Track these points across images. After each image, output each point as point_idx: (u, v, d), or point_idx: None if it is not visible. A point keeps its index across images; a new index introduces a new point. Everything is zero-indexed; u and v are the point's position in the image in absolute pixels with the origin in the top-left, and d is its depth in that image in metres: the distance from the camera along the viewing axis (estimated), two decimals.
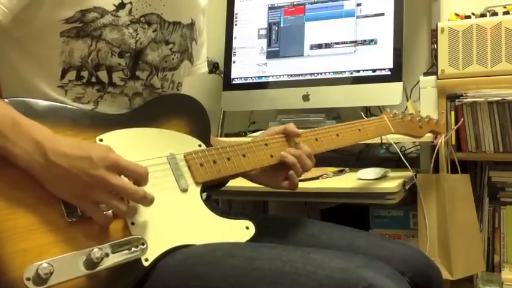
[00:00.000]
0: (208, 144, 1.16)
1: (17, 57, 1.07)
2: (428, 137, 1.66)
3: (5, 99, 0.97)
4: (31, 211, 0.89)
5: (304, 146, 1.20)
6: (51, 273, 0.84)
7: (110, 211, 0.93)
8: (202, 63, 1.42)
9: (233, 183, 1.22)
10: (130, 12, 1.10)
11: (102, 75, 1.09)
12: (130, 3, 1.10)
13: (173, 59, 1.21)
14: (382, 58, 1.91)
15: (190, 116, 1.18)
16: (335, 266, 0.88)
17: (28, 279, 0.83)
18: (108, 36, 1.07)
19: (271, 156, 1.17)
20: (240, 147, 1.14)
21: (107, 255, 0.90)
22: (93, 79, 1.08)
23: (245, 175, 1.22)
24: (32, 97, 1.01)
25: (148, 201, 0.94)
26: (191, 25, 1.26)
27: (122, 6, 1.09)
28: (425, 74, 1.89)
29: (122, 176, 0.93)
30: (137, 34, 1.11)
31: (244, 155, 1.14)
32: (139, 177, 0.94)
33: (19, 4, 1.00)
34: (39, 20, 1.03)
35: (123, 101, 1.13)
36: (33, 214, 0.89)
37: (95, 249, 0.88)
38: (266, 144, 1.17)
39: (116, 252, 0.92)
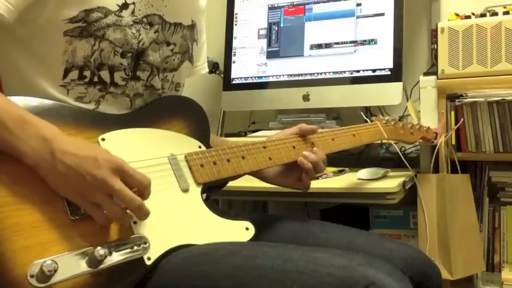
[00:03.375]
0: (207, 145, 1.17)
1: (19, 56, 1.08)
2: None
3: (11, 97, 0.97)
4: (34, 208, 0.89)
5: (319, 150, 1.22)
6: (55, 271, 0.84)
7: None
8: (202, 65, 1.42)
9: (233, 183, 1.23)
10: (133, 12, 1.11)
11: (104, 75, 1.09)
12: (134, 3, 1.11)
13: (174, 59, 1.22)
14: (382, 58, 1.91)
15: (190, 117, 1.18)
16: (337, 264, 0.89)
17: (32, 276, 0.84)
18: (111, 36, 1.08)
19: (270, 159, 1.18)
20: (239, 149, 1.15)
21: (110, 253, 0.90)
22: (96, 79, 1.09)
23: (259, 176, 1.25)
24: (34, 96, 1.02)
25: (143, 212, 0.94)
26: (192, 26, 1.27)
27: (125, 6, 1.10)
28: (425, 74, 1.89)
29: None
30: (140, 34, 1.12)
31: (243, 157, 1.14)
32: (142, 187, 0.94)
33: (24, 2, 1.01)
34: (43, 19, 1.04)
35: (124, 102, 1.13)
36: (37, 211, 0.89)
37: (98, 248, 0.89)
38: (264, 147, 1.18)
39: (119, 250, 0.92)
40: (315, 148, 1.22)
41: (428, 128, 1.63)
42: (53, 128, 0.93)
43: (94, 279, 0.89)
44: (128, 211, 0.93)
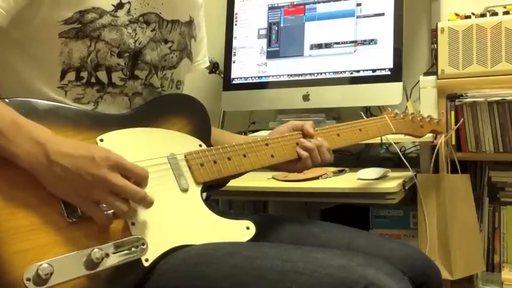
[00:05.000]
0: (208, 144, 1.16)
1: (16, 58, 1.07)
2: (428, 137, 1.66)
3: (6, 99, 0.97)
4: (31, 211, 0.89)
5: (319, 140, 1.21)
6: (51, 274, 0.84)
7: (110, 211, 0.93)
8: (202, 59, 1.41)
9: (233, 183, 1.22)
10: (129, 11, 1.10)
11: (102, 75, 1.09)
12: (129, 2, 1.10)
13: (172, 57, 1.21)
14: (382, 58, 1.91)
15: (191, 115, 1.18)
16: (336, 265, 0.88)
17: (28, 279, 0.84)
18: (107, 37, 1.07)
19: (272, 156, 1.17)
20: (240, 147, 1.14)
21: (107, 255, 0.90)
22: (93, 79, 1.08)
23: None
24: (32, 98, 1.01)
25: (148, 202, 0.95)
26: (190, 22, 1.26)
27: (120, 6, 1.09)
28: (425, 74, 1.89)
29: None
30: (136, 34, 1.11)
31: (244, 155, 1.14)
32: (140, 179, 0.95)
33: (16, 6, 1.00)
34: (37, 21, 1.03)
35: (123, 101, 1.13)
36: (34, 214, 0.89)
37: (95, 250, 0.89)
38: (267, 144, 1.18)
39: (116, 252, 0.92)
40: (318, 138, 1.22)
41: (439, 120, 1.62)
42: (45, 131, 0.93)
43: (91, 281, 0.89)
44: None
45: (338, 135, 1.28)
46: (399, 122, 1.45)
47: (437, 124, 1.60)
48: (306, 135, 1.22)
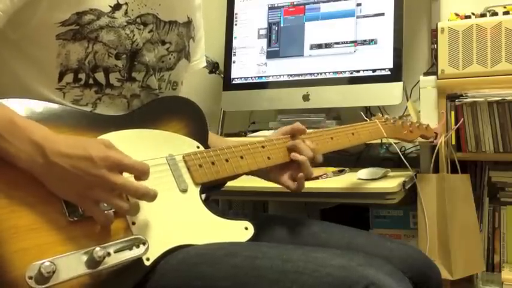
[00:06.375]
0: (206, 145, 1.16)
1: (14, 60, 1.07)
2: None
3: (5, 99, 0.96)
4: (32, 210, 0.89)
5: (310, 143, 1.20)
6: (53, 272, 0.84)
7: (111, 211, 0.93)
8: (199, 59, 1.41)
9: (233, 183, 1.22)
10: (126, 13, 1.10)
11: (99, 76, 1.09)
12: (126, 3, 1.10)
13: (170, 58, 1.21)
14: (382, 58, 1.91)
15: (188, 117, 1.18)
16: (336, 265, 0.89)
17: (30, 277, 0.83)
18: (104, 38, 1.07)
19: (268, 158, 1.18)
20: (237, 149, 1.15)
21: (109, 254, 0.90)
22: (91, 81, 1.08)
23: (254, 173, 1.23)
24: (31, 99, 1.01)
25: (151, 196, 0.94)
26: (188, 23, 1.26)
27: (117, 7, 1.09)
28: (425, 74, 1.89)
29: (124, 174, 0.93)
30: (134, 35, 1.11)
31: (242, 157, 1.14)
32: (140, 174, 0.94)
33: (13, 6, 1.00)
34: (35, 22, 1.03)
35: (122, 103, 1.13)
36: (34, 213, 0.89)
37: (97, 249, 0.88)
38: (263, 147, 1.18)
39: (118, 251, 0.92)
40: (306, 141, 1.20)
41: (428, 125, 1.63)
42: (43, 130, 0.92)
43: (93, 280, 0.89)
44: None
45: (332, 138, 1.29)
46: (390, 126, 1.46)
47: (426, 129, 1.61)
48: (296, 134, 1.22)
